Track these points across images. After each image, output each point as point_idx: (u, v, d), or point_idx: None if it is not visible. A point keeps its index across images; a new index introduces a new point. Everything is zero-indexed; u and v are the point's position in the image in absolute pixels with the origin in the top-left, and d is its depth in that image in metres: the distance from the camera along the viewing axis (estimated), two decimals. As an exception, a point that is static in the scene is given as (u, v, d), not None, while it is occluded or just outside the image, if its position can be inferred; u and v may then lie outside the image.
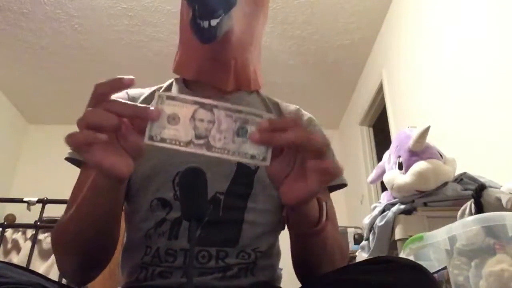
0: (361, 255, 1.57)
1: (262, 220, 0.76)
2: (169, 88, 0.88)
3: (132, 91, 0.84)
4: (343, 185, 0.83)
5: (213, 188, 0.73)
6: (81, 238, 0.63)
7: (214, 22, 0.73)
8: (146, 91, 0.85)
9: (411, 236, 1.10)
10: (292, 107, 0.91)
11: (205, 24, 0.73)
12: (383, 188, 1.66)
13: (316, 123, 0.89)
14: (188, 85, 0.87)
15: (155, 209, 0.74)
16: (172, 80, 0.90)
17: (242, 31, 0.79)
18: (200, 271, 0.70)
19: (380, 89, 3.21)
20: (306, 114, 0.90)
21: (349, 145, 4.14)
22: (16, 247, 2.44)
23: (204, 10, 0.73)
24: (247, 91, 0.88)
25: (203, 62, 0.81)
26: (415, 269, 0.56)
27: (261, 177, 0.75)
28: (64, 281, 2.16)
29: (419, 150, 1.42)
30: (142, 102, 0.81)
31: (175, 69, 0.87)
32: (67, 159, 0.76)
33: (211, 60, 0.81)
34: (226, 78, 0.82)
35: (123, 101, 0.48)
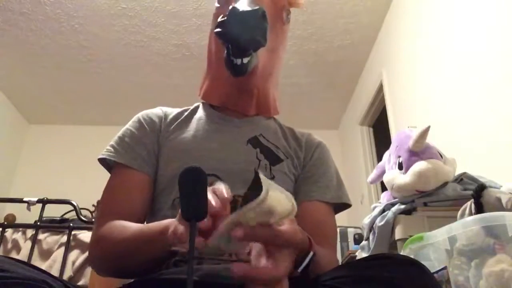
0: (361, 255, 1.57)
1: None
2: (195, 110, 0.99)
3: (165, 108, 0.98)
4: (347, 205, 0.92)
5: (232, 192, 0.79)
6: (124, 261, 0.74)
7: (245, 60, 0.83)
8: (175, 111, 0.98)
9: (411, 236, 1.10)
10: (305, 133, 1.01)
11: (238, 61, 0.83)
12: (383, 188, 1.66)
13: (325, 149, 0.98)
14: (213, 107, 0.99)
15: (176, 206, 0.81)
16: (198, 104, 1.02)
17: (265, 64, 0.91)
18: (213, 260, 0.75)
19: (380, 89, 3.21)
20: (316, 139, 0.99)
21: (349, 145, 4.14)
22: (16, 247, 2.44)
23: (238, 50, 0.81)
24: (265, 117, 0.99)
25: (230, 91, 0.94)
26: (413, 265, 0.59)
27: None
28: (65, 277, 2.16)
29: (419, 150, 1.42)
30: (171, 119, 0.95)
31: (204, 96, 0.99)
32: (101, 159, 0.87)
33: (238, 90, 0.93)
34: (249, 104, 0.95)
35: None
